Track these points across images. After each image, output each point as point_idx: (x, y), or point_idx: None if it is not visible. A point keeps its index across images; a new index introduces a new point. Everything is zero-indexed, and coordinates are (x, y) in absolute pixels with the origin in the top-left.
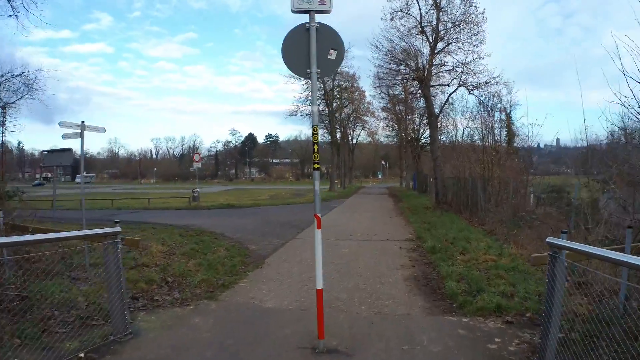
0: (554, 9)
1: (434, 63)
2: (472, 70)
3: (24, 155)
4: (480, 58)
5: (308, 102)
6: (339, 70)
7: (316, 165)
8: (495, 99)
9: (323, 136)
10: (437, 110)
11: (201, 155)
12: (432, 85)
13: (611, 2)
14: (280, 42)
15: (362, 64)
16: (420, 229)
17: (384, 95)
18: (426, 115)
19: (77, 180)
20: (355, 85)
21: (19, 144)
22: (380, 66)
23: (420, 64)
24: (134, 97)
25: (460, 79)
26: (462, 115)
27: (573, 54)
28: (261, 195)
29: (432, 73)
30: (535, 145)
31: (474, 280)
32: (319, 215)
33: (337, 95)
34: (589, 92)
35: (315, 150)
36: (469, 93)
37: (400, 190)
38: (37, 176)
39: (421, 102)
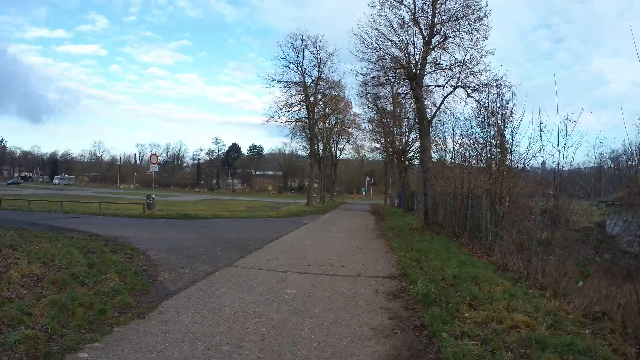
0: (544, 34)
1: (428, 61)
2: (471, 70)
3: (5, 152)
4: (481, 56)
5: (287, 108)
6: (323, 75)
7: None
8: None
9: (305, 148)
10: (430, 116)
11: (158, 159)
12: (425, 86)
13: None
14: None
15: (349, 80)
16: (405, 260)
17: (370, 106)
18: (416, 121)
19: (55, 181)
20: (340, 95)
21: (1, 141)
22: (365, 60)
23: (412, 59)
24: (123, 101)
25: (458, 79)
26: (454, 130)
27: (560, 78)
28: (237, 207)
29: (426, 72)
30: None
31: None
32: None
33: (321, 101)
34: (575, 115)
35: None
36: (468, 96)
37: (384, 207)
38: (16, 175)
39: (411, 109)
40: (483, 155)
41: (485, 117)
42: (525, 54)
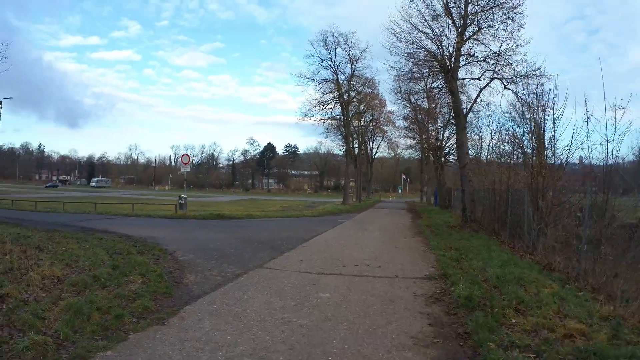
0: (578, 25)
1: (462, 52)
2: (507, 61)
3: (43, 156)
4: (517, 46)
5: (321, 106)
6: (355, 72)
7: None
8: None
9: (340, 147)
10: (466, 110)
11: (190, 159)
12: (460, 79)
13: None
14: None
15: (382, 77)
16: (445, 259)
17: (404, 102)
18: (452, 115)
19: (92, 184)
20: (374, 92)
21: (39, 146)
22: (398, 54)
23: (446, 52)
24: (157, 104)
25: (494, 70)
26: (489, 125)
27: (596, 71)
28: (272, 207)
29: (460, 64)
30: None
31: None
32: None
33: (355, 99)
34: (623, 102)
35: None
36: (505, 88)
37: (420, 205)
38: (54, 178)
39: (445, 103)
40: (521, 148)
41: (525, 109)
42: (559, 47)
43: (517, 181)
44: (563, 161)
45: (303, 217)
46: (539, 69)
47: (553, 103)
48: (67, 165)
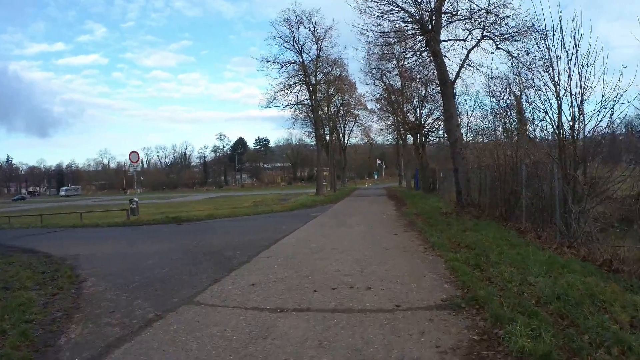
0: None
1: (444, 11)
2: (497, 17)
3: (12, 169)
4: None
5: (286, 90)
6: (322, 53)
7: None
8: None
9: (310, 134)
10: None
11: (139, 157)
12: (444, 40)
13: None
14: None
15: (351, 61)
16: (460, 266)
17: (377, 83)
18: (437, 83)
19: (61, 193)
20: (343, 75)
21: (7, 159)
22: (367, 14)
23: (425, 11)
24: (129, 107)
25: (483, 28)
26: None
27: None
28: (245, 202)
29: (442, 24)
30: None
31: None
32: None
33: (322, 81)
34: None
35: None
36: (497, 47)
37: (400, 190)
38: (23, 190)
39: (420, 80)
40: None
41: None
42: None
43: (532, 153)
44: (599, 122)
45: (271, 213)
46: (532, 25)
47: (577, 49)
48: (36, 176)
